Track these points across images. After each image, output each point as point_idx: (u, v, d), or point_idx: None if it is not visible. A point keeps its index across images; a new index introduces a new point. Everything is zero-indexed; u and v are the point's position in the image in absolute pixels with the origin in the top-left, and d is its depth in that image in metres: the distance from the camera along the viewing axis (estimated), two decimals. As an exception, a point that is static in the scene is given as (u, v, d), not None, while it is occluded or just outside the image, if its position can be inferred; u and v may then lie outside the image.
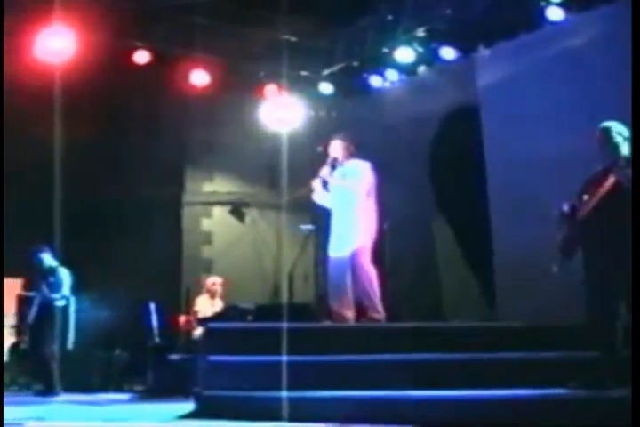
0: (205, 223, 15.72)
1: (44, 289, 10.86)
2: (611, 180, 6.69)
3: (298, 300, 10.76)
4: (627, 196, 6.61)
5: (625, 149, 6.89)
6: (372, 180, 9.16)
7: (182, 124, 15.26)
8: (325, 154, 9.35)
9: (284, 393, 6.50)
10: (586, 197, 6.90)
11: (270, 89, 14.19)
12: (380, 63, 13.46)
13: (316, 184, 9.28)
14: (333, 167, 9.25)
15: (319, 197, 9.34)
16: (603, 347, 6.76)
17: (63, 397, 10.47)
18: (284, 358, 6.94)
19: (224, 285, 12.37)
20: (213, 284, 12.36)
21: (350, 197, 9.08)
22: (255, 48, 13.76)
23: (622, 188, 6.64)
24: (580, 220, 6.91)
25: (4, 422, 5.90)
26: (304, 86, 14.51)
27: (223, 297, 12.24)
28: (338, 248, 9.12)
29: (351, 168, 9.20)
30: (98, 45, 12.25)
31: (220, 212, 15.78)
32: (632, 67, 6.52)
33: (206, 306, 11.99)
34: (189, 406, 7.10)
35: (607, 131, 6.98)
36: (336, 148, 9.29)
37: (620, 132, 6.96)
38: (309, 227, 10.63)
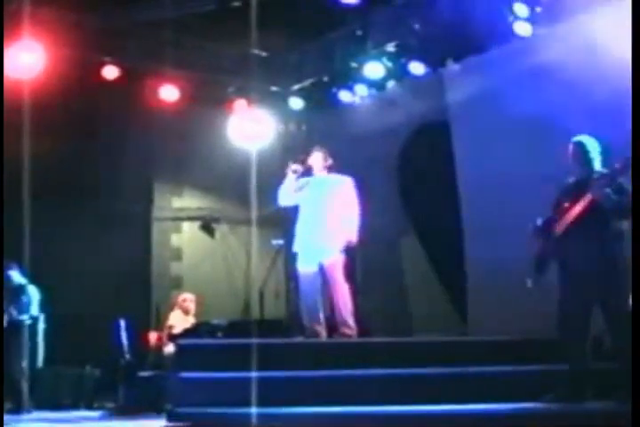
0: (175, 239, 15.65)
1: (12, 310, 10.76)
2: (588, 197, 6.74)
3: (269, 316, 10.73)
4: (601, 212, 6.67)
5: (598, 164, 6.96)
6: (353, 194, 9.18)
7: (151, 139, 15.20)
8: (303, 164, 9.35)
9: (256, 410, 6.46)
10: (561, 212, 6.95)
11: (240, 104, 14.17)
12: (349, 78, 13.47)
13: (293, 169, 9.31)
14: (305, 173, 9.31)
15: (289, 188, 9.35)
16: (574, 360, 6.80)
17: (34, 415, 10.39)
18: (256, 374, 6.91)
19: (196, 301, 12.30)
20: (184, 300, 12.29)
21: (323, 209, 9.07)
22: (224, 63, 13.75)
23: (598, 205, 6.70)
24: (557, 235, 6.94)
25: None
26: (274, 101, 14.50)
27: (197, 314, 12.18)
28: (307, 262, 9.08)
29: (328, 181, 9.21)
30: (67, 60, 12.19)
31: (189, 227, 15.72)
32: (632, 67, 6.55)
33: (180, 321, 11.92)
34: (161, 423, 7.05)
35: (580, 145, 7.04)
36: (316, 158, 9.31)
37: (593, 146, 7.02)
38: (280, 242, 10.61)
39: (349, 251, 9.17)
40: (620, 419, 5.60)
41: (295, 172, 9.28)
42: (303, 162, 9.36)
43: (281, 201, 9.42)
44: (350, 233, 9.00)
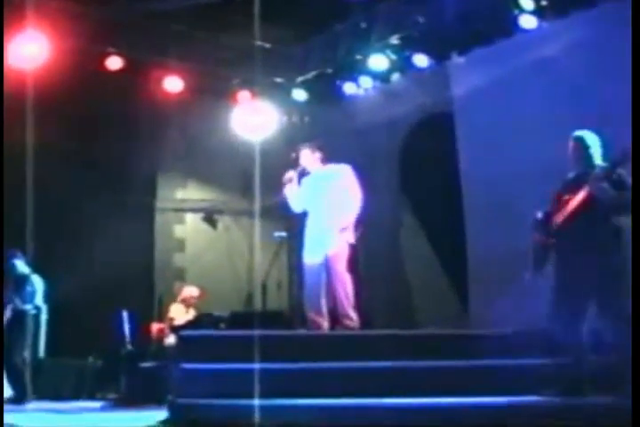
0: (178, 230, 15.67)
1: (16, 300, 10.76)
2: (584, 191, 6.73)
3: (271, 307, 10.73)
4: (599, 207, 6.66)
5: (598, 159, 6.95)
6: (352, 180, 9.13)
7: (155, 131, 15.22)
8: (297, 162, 9.34)
9: (258, 401, 6.47)
10: (559, 206, 6.95)
11: (243, 95, 14.17)
12: (353, 70, 13.45)
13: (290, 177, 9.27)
14: (302, 175, 9.28)
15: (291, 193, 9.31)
16: (572, 353, 6.79)
17: (35, 405, 10.39)
18: (258, 365, 6.91)
19: (200, 297, 12.33)
20: (189, 297, 12.30)
21: (324, 202, 9.06)
22: (229, 54, 13.73)
23: (596, 199, 6.69)
24: (554, 229, 6.94)
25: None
26: (277, 93, 14.49)
27: (198, 306, 12.20)
28: (312, 254, 9.07)
29: (325, 173, 9.18)
30: (71, 51, 12.20)
31: (192, 219, 15.74)
32: (632, 67, 6.54)
33: (181, 314, 11.94)
34: (162, 414, 7.05)
35: (581, 140, 7.04)
36: (305, 157, 9.28)
37: (593, 141, 7.01)
38: (283, 234, 10.60)
39: (352, 241, 9.14)
40: (621, 414, 5.61)
41: (291, 180, 9.25)
42: (296, 162, 9.33)
43: (295, 209, 9.41)
44: (346, 217, 8.96)
